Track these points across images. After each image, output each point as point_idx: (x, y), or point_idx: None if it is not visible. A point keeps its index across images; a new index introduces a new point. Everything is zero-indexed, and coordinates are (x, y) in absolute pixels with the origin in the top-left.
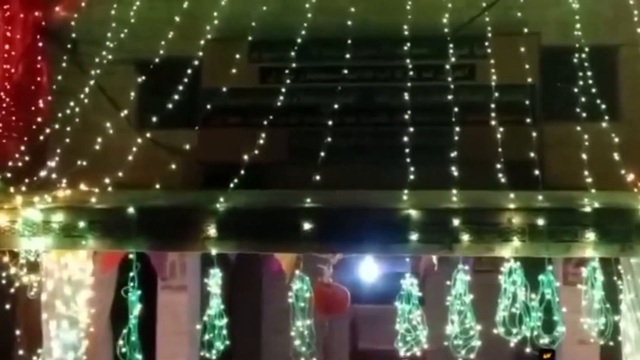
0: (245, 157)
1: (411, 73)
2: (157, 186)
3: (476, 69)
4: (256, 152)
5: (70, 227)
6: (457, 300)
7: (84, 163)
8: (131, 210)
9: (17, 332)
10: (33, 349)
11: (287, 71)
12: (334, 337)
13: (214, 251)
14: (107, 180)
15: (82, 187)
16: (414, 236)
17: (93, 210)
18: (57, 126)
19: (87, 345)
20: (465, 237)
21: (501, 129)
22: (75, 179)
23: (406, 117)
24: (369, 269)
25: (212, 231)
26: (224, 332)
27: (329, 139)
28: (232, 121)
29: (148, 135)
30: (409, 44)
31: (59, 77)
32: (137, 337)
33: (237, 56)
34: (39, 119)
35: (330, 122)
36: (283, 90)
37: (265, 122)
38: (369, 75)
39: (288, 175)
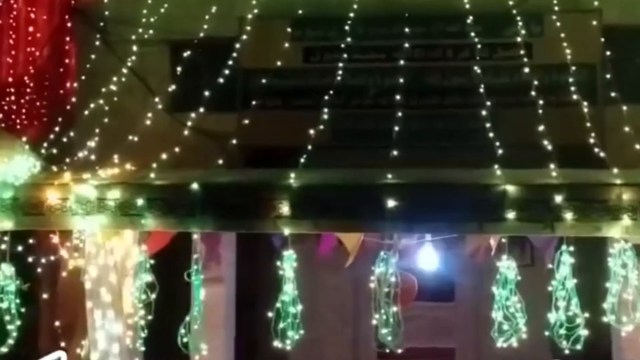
0: (311, 133)
1: (478, 51)
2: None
3: (533, 47)
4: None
5: (128, 204)
6: (561, 285)
7: (135, 138)
8: (195, 186)
9: (57, 323)
10: (76, 340)
11: (338, 49)
12: (361, 334)
13: (286, 231)
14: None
15: (128, 167)
16: (511, 214)
17: (153, 186)
18: (88, 108)
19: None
20: (568, 215)
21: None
22: (114, 161)
23: (463, 98)
24: (429, 258)
25: (285, 209)
26: (297, 320)
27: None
28: (274, 103)
29: (187, 119)
30: (467, 20)
31: (91, 57)
32: (202, 325)
33: (280, 35)
34: (73, 99)
35: (403, 99)
36: (339, 68)
37: (308, 104)
38: (418, 55)
39: (333, 160)
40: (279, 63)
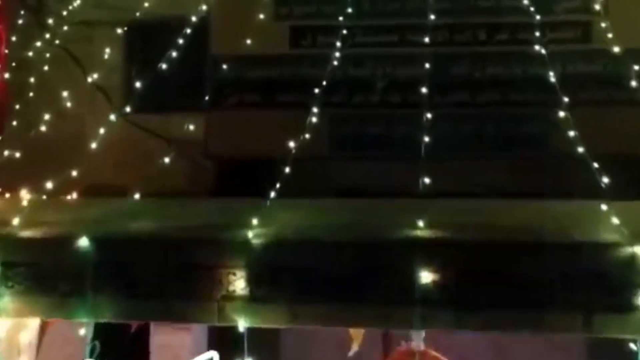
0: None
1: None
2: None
3: (592, 28)
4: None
5: None
6: None
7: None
8: (84, 242)
9: None
10: None
11: (336, 30)
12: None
13: (242, 324)
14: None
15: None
16: None
17: (10, 240)
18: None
19: None
20: None
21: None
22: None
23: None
24: None
25: (238, 285)
26: None
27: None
28: (252, 100)
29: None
30: None
31: (20, 44)
32: None
33: (260, 12)
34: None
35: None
36: (337, 54)
37: (298, 102)
38: (441, 38)
39: (329, 176)
40: (259, 49)
